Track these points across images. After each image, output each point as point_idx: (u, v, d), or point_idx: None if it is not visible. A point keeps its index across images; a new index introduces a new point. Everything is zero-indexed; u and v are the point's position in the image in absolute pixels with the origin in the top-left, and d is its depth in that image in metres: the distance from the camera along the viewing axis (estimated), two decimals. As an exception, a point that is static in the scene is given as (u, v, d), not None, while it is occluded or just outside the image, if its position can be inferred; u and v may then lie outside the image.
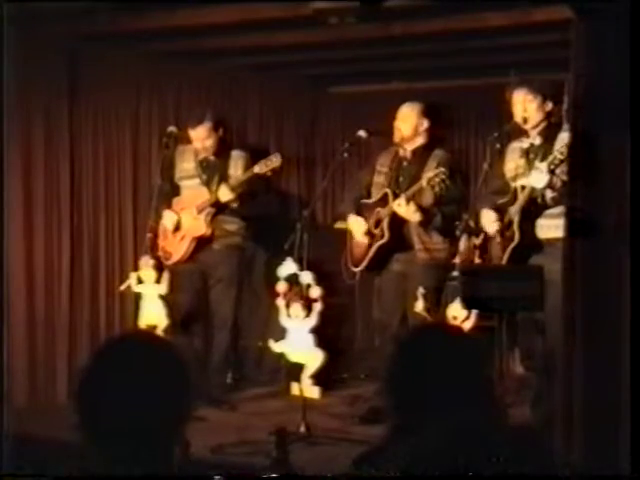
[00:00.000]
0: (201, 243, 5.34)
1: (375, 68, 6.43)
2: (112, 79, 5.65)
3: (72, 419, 1.90)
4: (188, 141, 5.37)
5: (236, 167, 5.32)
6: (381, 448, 1.74)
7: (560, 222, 4.02)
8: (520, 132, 4.52)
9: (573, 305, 3.23)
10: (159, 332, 5.03)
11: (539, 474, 1.91)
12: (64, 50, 5.38)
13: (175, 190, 5.45)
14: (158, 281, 5.08)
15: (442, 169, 4.73)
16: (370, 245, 5.03)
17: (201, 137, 5.26)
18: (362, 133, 5.17)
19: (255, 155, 5.31)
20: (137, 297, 5.18)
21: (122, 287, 5.27)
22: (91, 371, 1.91)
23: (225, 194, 5.19)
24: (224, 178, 5.27)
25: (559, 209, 4.10)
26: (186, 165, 5.41)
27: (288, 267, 5.08)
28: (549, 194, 4.25)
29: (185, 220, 5.33)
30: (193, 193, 5.36)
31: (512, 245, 4.32)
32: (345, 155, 5.14)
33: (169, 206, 5.40)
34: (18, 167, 5.19)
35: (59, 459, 1.94)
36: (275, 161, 5.11)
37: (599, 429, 3.09)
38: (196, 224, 5.29)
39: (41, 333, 5.38)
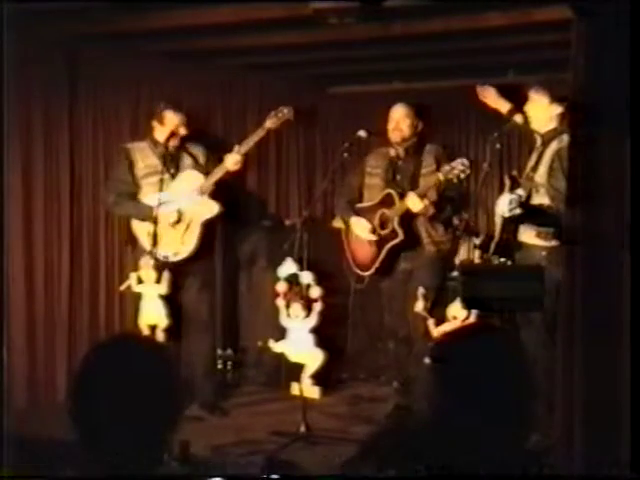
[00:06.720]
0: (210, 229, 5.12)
1: (375, 68, 6.43)
2: (112, 79, 5.64)
3: (70, 420, 1.91)
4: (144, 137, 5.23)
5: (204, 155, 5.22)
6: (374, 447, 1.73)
7: (537, 229, 4.08)
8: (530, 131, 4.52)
9: (573, 306, 3.24)
10: (159, 332, 5.03)
11: (539, 474, 1.91)
12: (64, 50, 5.37)
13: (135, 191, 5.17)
14: (158, 281, 5.08)
15: (464, 160, 4.75)
16: (379, 247, 5.02)
17: (176, 123, 5.07)
18: (362, 133, 5.17)
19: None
20: (137, 297, 5.18)
21: (122, 287, 5.26)
22: (81, 375, 1.92)
23: (234, 161, 4.97)
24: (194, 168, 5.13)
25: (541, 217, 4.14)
26: (149, 161, 5.12)
27: (288, 267, 5.09)
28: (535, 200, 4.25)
29: (186, 208, 5.02)
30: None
31: (494, 240, 4.35)
32: (345, 155, 5.14)
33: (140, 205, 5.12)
34: (18, 167, 5.19)
35: (59, 459, 1.94)
36: (287, 113, 5.06)
37: (599, 429, 3.09)
38: (204, 207, 5.05)
39: (41, 333, 5.38)
